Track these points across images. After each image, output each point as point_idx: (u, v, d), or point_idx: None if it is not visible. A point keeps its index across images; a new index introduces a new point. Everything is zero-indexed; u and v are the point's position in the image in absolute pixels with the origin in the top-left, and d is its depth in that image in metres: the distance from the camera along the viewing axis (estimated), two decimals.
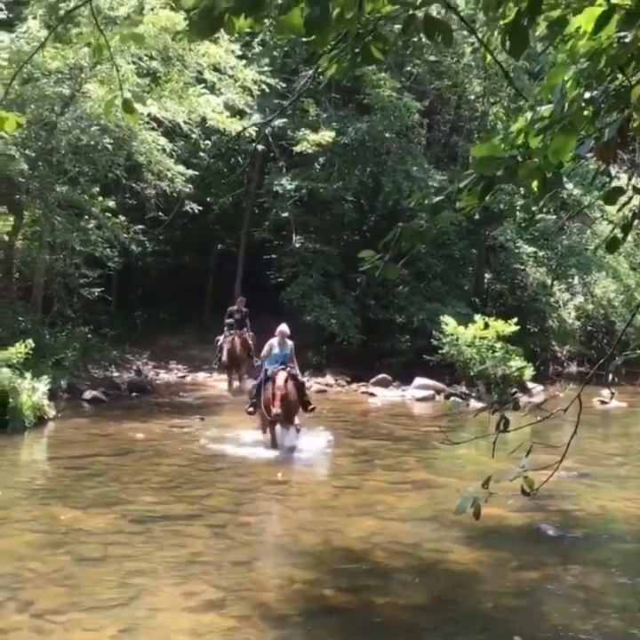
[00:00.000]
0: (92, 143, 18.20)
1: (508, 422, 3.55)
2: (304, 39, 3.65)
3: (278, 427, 13.30)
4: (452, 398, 21.36)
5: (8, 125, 3.50)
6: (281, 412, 12.72)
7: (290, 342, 13.93)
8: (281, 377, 12.99)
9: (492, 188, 3.35)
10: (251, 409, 13.67)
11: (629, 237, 28.92)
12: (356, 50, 3.56)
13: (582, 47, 3.28)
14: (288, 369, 13.44)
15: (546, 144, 3.06)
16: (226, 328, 20.22)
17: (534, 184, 3.29)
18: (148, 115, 17.89)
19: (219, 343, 20.20)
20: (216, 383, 21.28)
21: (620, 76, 3.30)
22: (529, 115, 3.20)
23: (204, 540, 8.45)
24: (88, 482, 10.71)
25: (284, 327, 14.02)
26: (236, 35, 21.24)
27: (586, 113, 3.08)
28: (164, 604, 6.70)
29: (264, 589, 7.11)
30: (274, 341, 13.81)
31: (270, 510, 9.84)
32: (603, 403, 21.09)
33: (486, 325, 21.53)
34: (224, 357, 19.66)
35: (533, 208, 3.60)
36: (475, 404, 20.66)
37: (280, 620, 6.50)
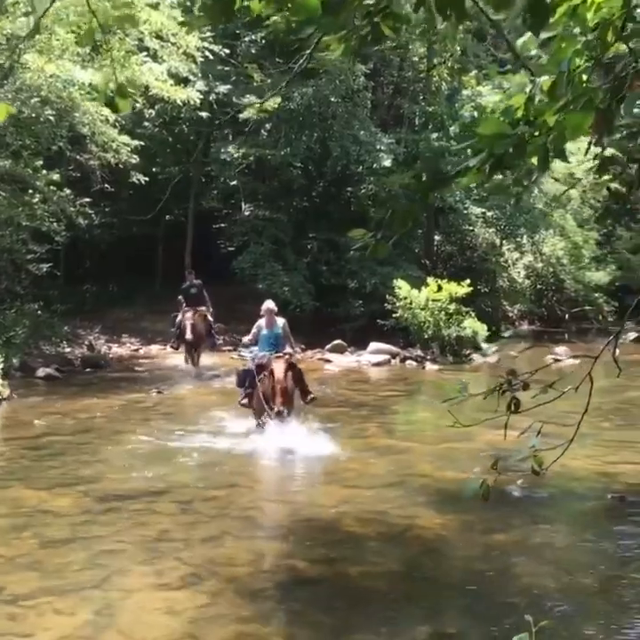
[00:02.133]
0: (34, 115, 17.74)
1: (520, 403, 3.52)
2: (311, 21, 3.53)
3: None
4: (419, 364, 21.54)
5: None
6: (284, 408, 11.53)
7: (280, 320, 12.60)
8: (279, 368, 11.69)
9: (502, 166, 3.31)
10: (244, 401, 12.43)
11: (575, 194, 28.89)
12: (367, 28, 3.47)
13: (591, 20, 3.23)
14: (286, 356, 12.12)
15: (559, 120, 3.01)
16: (182, 305, 19.48)
17: (534, 159, 3.25)
18: (90, 85, 17.51)
19: (177, 320, 19.43)
20: (170, 355, 21.06)
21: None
22: (528, 89, 3.16)
23: (172, 517, 8.41)
24: (49, 462, 10.56)
25: (270, 304, 12.55)
26: (176, 0, 20.93)
27: (603, 87, 3.04)
28: (136, 583, 6.66)
29: (235, 564, 7.08)
30: (262, 322, 12.46)
31: (236, 483, 9.76)
32: (556, 360, 21.33)
33: (439, 288, 21.68)
34: (188, 335, 18.67)
35: (525, 183, 3.57)
36: (430, 366, 20.91)
37: (254, 594, 6.51)
